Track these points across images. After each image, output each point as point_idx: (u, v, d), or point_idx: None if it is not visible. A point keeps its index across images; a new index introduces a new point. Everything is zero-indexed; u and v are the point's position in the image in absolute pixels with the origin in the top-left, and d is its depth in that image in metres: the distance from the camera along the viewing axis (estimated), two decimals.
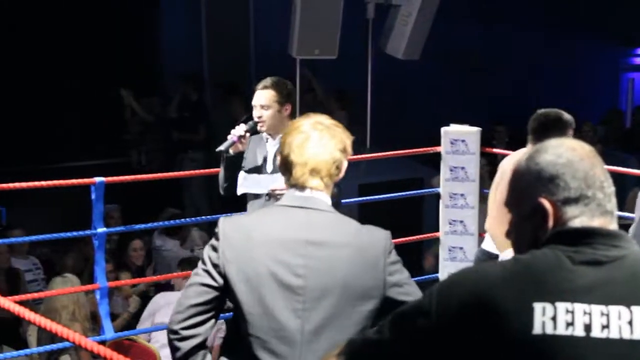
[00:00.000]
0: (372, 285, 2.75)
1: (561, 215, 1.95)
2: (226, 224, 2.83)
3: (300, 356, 2.70)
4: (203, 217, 6.39)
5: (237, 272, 2.74)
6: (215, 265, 2.76)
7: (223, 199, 5.18)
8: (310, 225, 2.77)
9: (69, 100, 10.78)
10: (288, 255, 2.73)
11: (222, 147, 4.97)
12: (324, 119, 2.89)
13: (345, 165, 2.89)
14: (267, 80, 5.08)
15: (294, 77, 9.67)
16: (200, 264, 2.83)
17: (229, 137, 4.99)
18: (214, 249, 2.79)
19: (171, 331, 2.79)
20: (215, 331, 5.94)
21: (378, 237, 2.83)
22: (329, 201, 2.85)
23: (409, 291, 2.80)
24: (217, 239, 2.80)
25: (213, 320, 2.82)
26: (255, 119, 5.00)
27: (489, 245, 5.45)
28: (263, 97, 5.02)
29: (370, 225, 2.89)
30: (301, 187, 2.82)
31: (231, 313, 2.83)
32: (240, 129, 4.97)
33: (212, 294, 2.77)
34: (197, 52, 11.67)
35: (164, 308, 6.01)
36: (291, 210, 2.80)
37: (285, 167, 2.85)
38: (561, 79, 13.30)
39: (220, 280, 2.76)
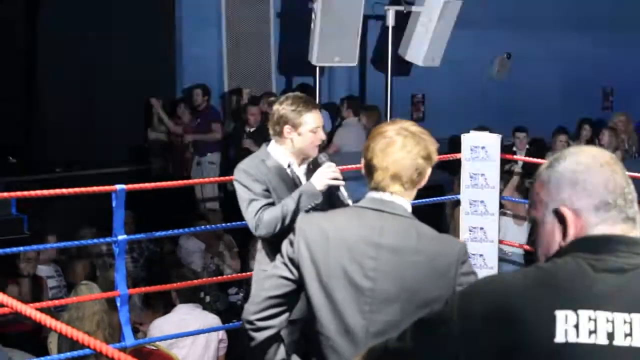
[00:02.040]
0: (440, 294, 2.73)
1: (582, 223, 1.94)
2: (303, 220, 2.89)
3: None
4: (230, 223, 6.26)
5: (310, 269, 2.80)
6: (291, 259, 2.84)
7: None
8: (383, 228, 2.79)
9: (92, 108, 10.83)
10: (359, 257, 2.77)
11: (322, 188, 4.40)
12: (409, 125, 2.90)
13: (428, 172, 2.89)
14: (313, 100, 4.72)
15: (314, 84, 9.70)
16: (278, 257, 2.90)
17: (330, 181, 4.38)
18: (291, 243, 2.86)
19: (247, 321, 2.89)
20: (217, 342, 5.94)
21: (452, 247, 2.83)
22: (408, 207, 2.87)
23: None
24: (294, 234, 2.86)
25: (288, 313, 2.89)
26: (319, 142, 4.53)
27: None
28: (320, 118, 4.57)
29: (447, 234, 2.92)
30: (382, 191, 2.84)
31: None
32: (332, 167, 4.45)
33: (289, 287, 2.85)
34: (217, 60, 11.69)
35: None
36: (366, 212, 2.84)
37: (368, 170, 2.87)
38: (584, 86, 13.24)
39: (297, 273, 2.83)
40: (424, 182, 2.89)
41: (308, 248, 2.81)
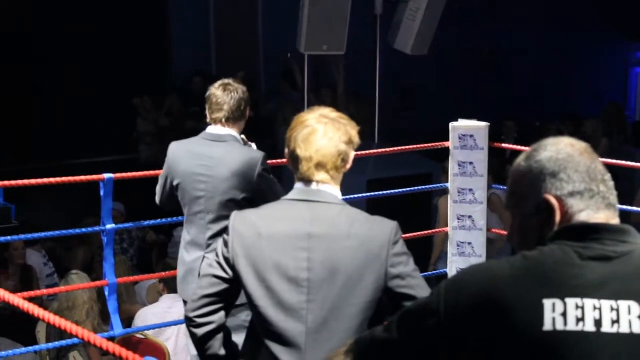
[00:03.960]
0: (375, 277, 2.79)
1: (567, 210, 1.95)
2: (236, 218, 2.91)
3: (307, 346, 2.77)
4: None
5: (246, 265, 2.82)
6: (225, 259, 2.86)
7: None
8: (313, 218, 2.81)
9: (80, 98, 10.80)
10: (292, 250, 2.79)
11: None
12: (328, 112, 2.92)
13: (352, 156, 2.92)
14: None
15: (303, 72, 9.68)
16: (213, 256, 2.93)
17: None
18: (225, 243, 2.88)
19: (187, 318, 2.93)
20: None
21: (384, 228, 2.84)
22: (338, 194, 2.88)
23: (412, 284, 2.81)
24: (228, 233, 2.88)
25: (228, 308, 2.93)
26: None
27: None
28: None
29: (380, 217, 2.90)
30: (308, 181, 2.85)
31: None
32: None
33: (223, 285, 2.87)
34: (205, 48, 11.67)
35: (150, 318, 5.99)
36: (296, 204, 2.86)
37: (292, 161, 2.89)
38: (570, 74, 13.28)
39: (231, 273, 2.85)
40: (349, 167, 2.92)
41: (242, 246, 2.83)
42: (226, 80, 4.67)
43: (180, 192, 4.65)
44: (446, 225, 6.16)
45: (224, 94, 4.58)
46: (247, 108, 4.66)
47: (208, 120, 4.63)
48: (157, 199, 4.84)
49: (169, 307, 5.92)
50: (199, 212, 4.58)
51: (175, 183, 4.66)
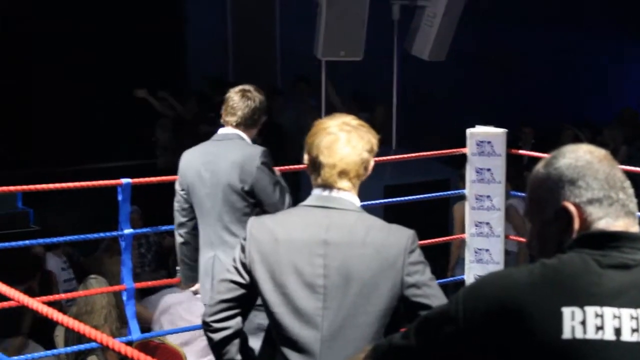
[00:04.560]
0: (390, 285, 2.79)
1: (586, 217, 1.94)
2: (253, 224, 2.92)
3: (321, 353, 2.78)
4: None
5: (262, 272, 2.83)
6: (242, 264, 2.87)
7: None
8: (330, 225, 2.82)
9: (96, 102, 10.83)
10: (308, 256, 2.80)
11: None
12: (350, 120, 2.93)
13: (372, 164, 2.94)
14: None
15: (319, 78, 9.69)
16: (231, 261, 2.93)
17: None
18: (242, 248, 2.89)
19: (204, 323, 2.94)
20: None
21: (400, 236, 2.84)
22: (356, 200, 2.89)
23: (428, 293, 2.80)
24: (245, 239, 2.89)
25: (245, 314, 2.94)
26: None
27: None
28: None
29: (397, 225, 2.90)
30: (328, 188, 2.86)
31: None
32: None
33: (240, 290, 2.88)
34: (222, 52, 11.69)
35: (174, 307, 6.02)
36: (313, 210, 2.87)
37: (314, 167, 2.89)
38: (590, 80, 13.23)
39: (248, 278, 2.86)
40: (368, 174, 2.94)
41: (258, 251, 2.84)
42: (247, 87, 4.75)
43: (190, 194, 4.70)
44: (460, 232, 6.15)
45: (240, 100, 4.67)
46: (261, 117, 4.76)
47: (221, 120, 4.72)
48: (175, 222, 4.88)
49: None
50: (206, 208, 4.64)
51: (185, 187, 4.71)
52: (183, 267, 4.91)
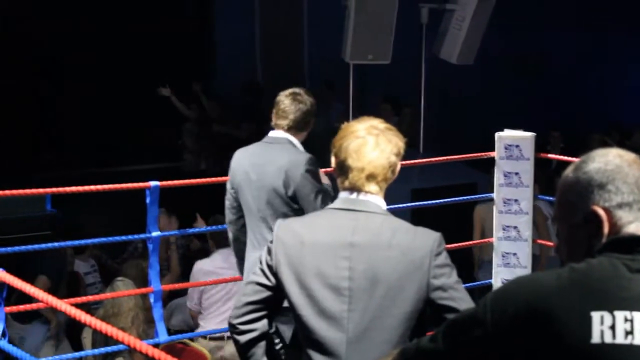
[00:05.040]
0: (416, 287, 2.78)
1: (615, 222, 1.93)
2: (280, 226, 2.94)
3: (347, 355, 2.78)
4: None
5: (288, 274, 2.84)
6: (269, 266, 2.89)
7: None
8: (356, 227, 2.82)
9: (124, 105, 10.89)
10: (334, 258, 2.81)
11: None
12: (378, 123, 2.93)
13: (399, 168, 2.94)
14: None
15: (348, 81, 9.70)
16: (258, 263, 2.95)
17: None
18: (269, 251, 2.90)
19: (230, 325, 2.96)
20: None
21: (426, 239, 2.83)
22: (382, 203, 2.89)
23: (454, 296, 2.80)
24: (271, 241, 2.91)
25: (271, 316, 2.95)
26: None
27: None
28: None
29: (423, 227, 2.90)
30: (356, 191, 2.86)
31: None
32: None
33: (267, 293, 2.89)
34: (251, 56, 11.71)
35: (204, 277, 6.15)
36: (339, 212, 2.88)
37: (341, 170, 2.89)
38: (618, 83, 13.13)
39: (274, 280, 2.87)
40: (395, 177, 2.94)
41: (285, 254, 2.85)
42: (297, 90, 4.79)
43: (239, 193, 4.73)
44: (478, 234, 6.12)
45: (291, 104, 4.70)
46: (311, 120, 4.78)
47: (272, 123, 4.73)
48: (226, 219, 4.92)
49: (223, 262, 6.12)
50: (252, 209, 4.67)
51: (235, 186, 4.74)
52: (238, 262, 4.93)
